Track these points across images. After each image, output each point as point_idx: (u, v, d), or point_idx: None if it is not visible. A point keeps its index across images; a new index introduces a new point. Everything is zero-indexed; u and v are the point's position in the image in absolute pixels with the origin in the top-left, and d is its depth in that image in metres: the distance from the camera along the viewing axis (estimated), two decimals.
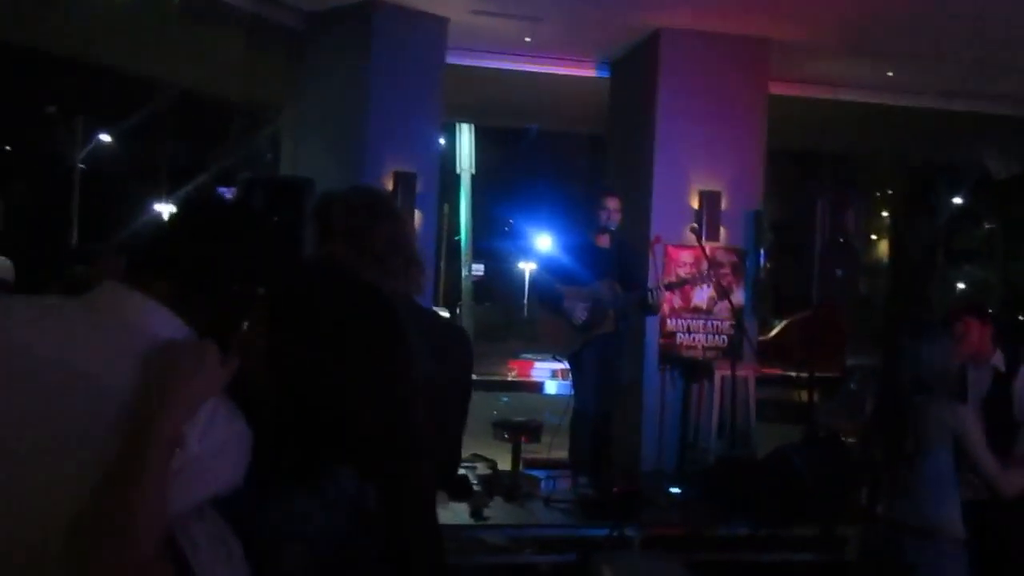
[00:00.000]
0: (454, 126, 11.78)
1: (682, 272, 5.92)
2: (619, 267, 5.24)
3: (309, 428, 1.21)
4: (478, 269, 13.25)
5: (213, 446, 1.12)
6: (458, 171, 12.94)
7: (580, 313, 5.11)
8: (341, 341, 1.23)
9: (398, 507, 1.23)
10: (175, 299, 1.19)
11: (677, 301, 6.19)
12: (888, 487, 3.04)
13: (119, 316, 1.17)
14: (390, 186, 6.00)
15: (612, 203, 5.22)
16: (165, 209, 17.24)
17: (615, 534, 4.46)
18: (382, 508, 1.21)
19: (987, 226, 16.46)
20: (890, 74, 7.13)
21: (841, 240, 5.78)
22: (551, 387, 7.14)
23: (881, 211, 15.50)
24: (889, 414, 3.08)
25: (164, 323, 1.17)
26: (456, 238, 14.90)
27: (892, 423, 3.04)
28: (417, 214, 6.10)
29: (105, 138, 20.32)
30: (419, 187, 6.09)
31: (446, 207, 14.32)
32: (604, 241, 5.29)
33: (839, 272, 5.69)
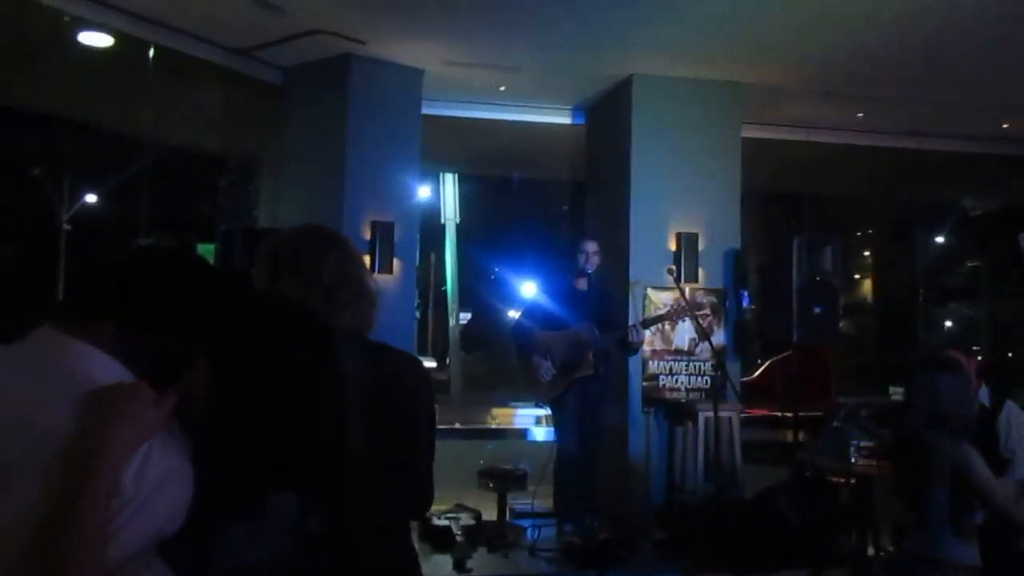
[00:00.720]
0: (438, 176, 11.88)
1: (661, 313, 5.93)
2: (598, 309, 5.26)
3: (246, 454, 1.20)
4: (465, 317, 13.24)
5: (148, 485, 1.10)
6: (443, 221, 13.01)
7: (545, 371, 5.12)
8: (269, 364, 1.23)
9: (341, 531, 1.22)
10: (116, 341, 1.18)
11: (658, 343, 6.19)
12: (907, 519, 3.13)
13: (52, 360, 1.16)
14: (368, 236, 6.03)
15: (591, 247, 5.29)
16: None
17: None
18: (327, 531, 1.20)
19: (970, 264, 16.53)
20: (860, 115, 7.25)
21: (819, 278, 5.81)
22: (537, 433, 7.08)
23: (864, 251, 15.60)
24: (905, 447, 3.16)
25: (100, 366, 1.16)
26: (443, 288, 14.85)
27: (907, 456, 3.11)
28: (396, 263, 6.13)
29: (91, 198, 20.39)
30: (398, 236, 6.13)
31: (432, 257, 14.34)
32: (583, 284, 5.33)
33: (817, 310, 5.71)
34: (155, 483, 1.11)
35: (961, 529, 2.93)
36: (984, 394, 4.19)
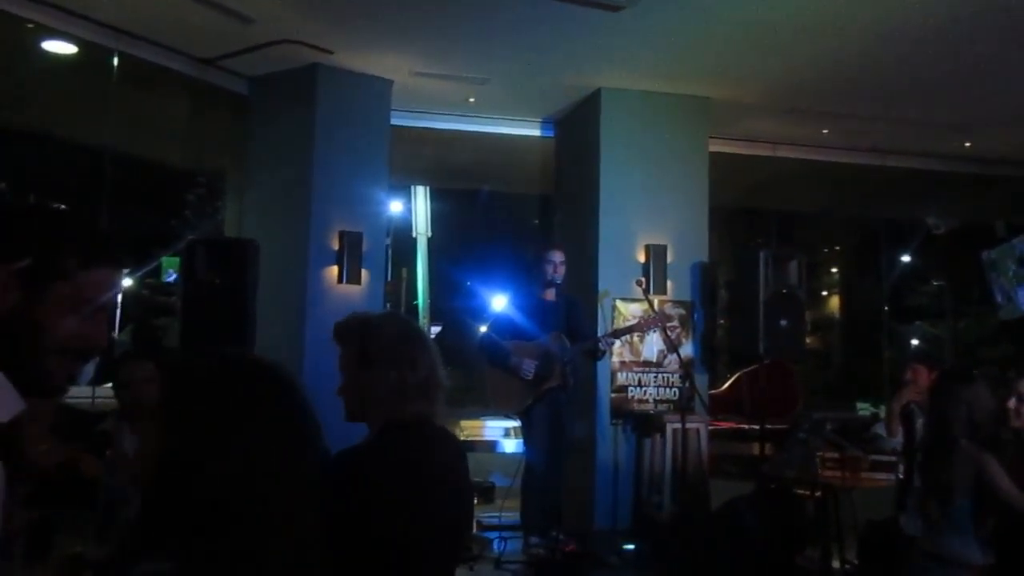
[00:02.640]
0: (410, 190, 11.85)
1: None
2: (566, 319, 5.27)
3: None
4: (436, 332, 13.19)
5: None
6: (414, 235, 12.95)
7: (528, 367, 5.10)
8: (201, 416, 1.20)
9: None
10: None
11: (627, 354, 6.20)
12: (925, 519, 3.29)
13: None
14: (336, 246, 5.99)
15: (557, 257, 5.29)
16: None
17: None
18: None
19: (935, 283, 16.73)
20: (825, 132, 7.35)
21: (784, 291, 5.85)
22: (507, 446, 7.03)
23: (831, 267, 15.79)
24: (933, 452, 3.33)
25: None
26: (415, 302, 14.74)
27: (933, 460, 3.29)
28: (364, 273, 6.08)
29: None
30: (366, 247, 6.09)
31: (404, 271, 14.25)
32: (551, 295, 5.33)
33: (783, 323, 5.74)
34: None
35: (979, 533, 3.10)
36: None
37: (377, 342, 1.91)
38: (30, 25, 5.50)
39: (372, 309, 6.18)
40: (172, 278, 7.80)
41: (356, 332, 1.93)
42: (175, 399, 1.22)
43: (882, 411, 7.57)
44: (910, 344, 16.73)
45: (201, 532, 1.15)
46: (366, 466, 1.78)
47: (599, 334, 5.51)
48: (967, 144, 7.73)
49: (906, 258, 15.08)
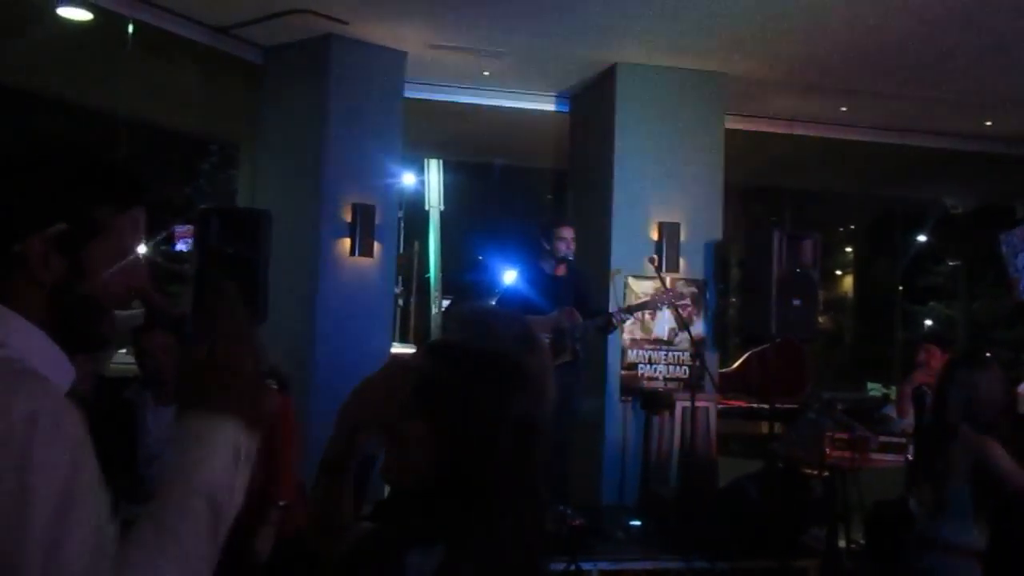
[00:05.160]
0: (423, 163, 11.83)
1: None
2: (576, 295, 5.27)
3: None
4: (445, 303, 13.23)
5: None
6: (427, 208, 12.94)
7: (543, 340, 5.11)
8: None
9: None
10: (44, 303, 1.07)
11: (638, 332, 6.20)
12: (920, 504, 3.27)
13: None
14: (348, 218, 5.99)
15: (568, 233, 5.28)
16: None
17: (571, 568, 4.39)
18: None
19: (950, 263, 16.61)
20: (844, 109, 7.26)
21: (798, 271, 5.81)
22: None
23: (846, 247, 15.67)
24: (930, 436, 3.29)
25: (16, 334, 1.03)
26: (427, 275, 14.78)
27: (930, 445, 3.25)
28: (377, 246, 6.08)
29: None
30: (379, 219, 6.08)
31: (417, 245, 14.28)
32: (562, 271, 5.33)
33: (796, 302, 5.71)
34: None
35: (976, 518, 3.03)
36: None
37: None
38: None
39: (381, 280, 6.17)
40: (177, 247, 7.87)
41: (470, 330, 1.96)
42: (450, 394, 1.24)
43: (893, 392, 7.55)
44: (923, 325, 16.65)
45: (481, 515, 1.19)
46: None
47: (611, 310, 5.51)
48: (988, 123, 7.61)
49: (922, 238, 14.96)
